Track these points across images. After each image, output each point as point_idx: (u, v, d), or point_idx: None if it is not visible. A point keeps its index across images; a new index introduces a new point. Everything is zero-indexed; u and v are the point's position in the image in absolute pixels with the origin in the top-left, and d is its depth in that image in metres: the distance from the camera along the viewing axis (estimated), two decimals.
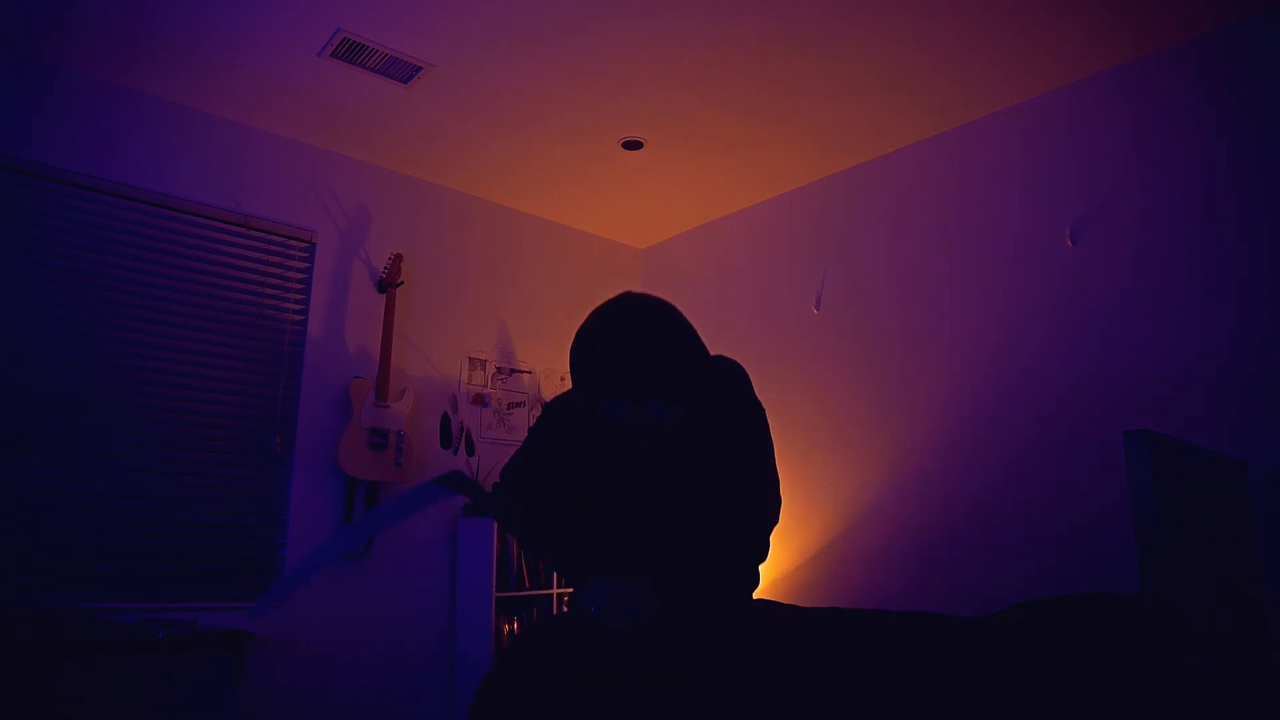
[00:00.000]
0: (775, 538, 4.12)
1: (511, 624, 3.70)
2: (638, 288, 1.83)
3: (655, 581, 1.46)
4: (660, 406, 1.37)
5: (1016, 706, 2.20)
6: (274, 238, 3.64)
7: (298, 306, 3.67)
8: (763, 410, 1.55)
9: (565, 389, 1.77)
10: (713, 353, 1.61)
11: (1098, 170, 3.14)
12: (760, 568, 1.57)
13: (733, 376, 1.53)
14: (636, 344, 1.36)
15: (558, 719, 1.46)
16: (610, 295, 1.53)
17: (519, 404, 4.28)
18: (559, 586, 3.85)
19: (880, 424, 3.64)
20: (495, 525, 3.69)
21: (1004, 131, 3.46)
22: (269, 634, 3.28)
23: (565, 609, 1.59)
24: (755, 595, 1.66)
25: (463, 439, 3.95)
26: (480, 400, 4.13)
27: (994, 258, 3.39)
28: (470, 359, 4.14)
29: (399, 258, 3.82)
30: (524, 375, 4.35)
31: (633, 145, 3.77)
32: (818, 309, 3.95)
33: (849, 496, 3.66)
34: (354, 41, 3.04)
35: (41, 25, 2.97)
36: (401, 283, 3.84)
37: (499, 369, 4.25)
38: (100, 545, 3.07)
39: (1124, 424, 2.07)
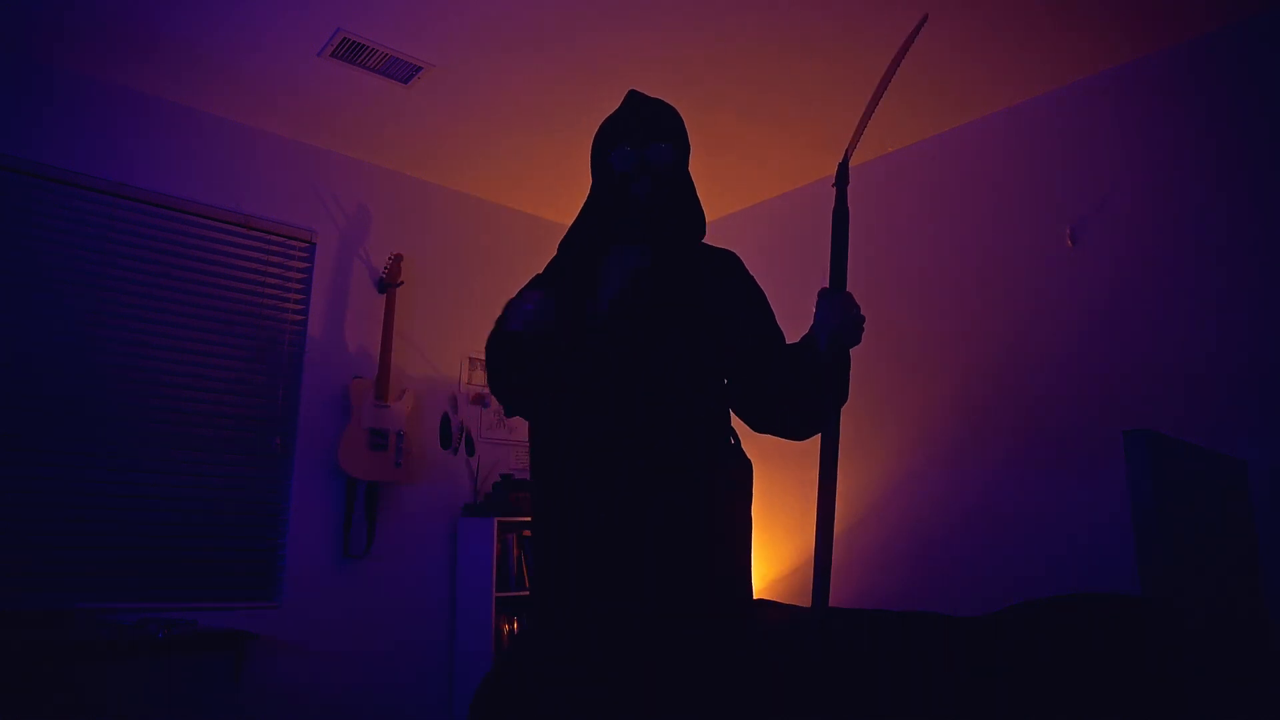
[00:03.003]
0: (775, 537, 4.08)
1: (511, 624, 3.70)
2: None
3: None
4: (658, 147, 1.70)
5: (1017, 707, 2.20)
6: (274, 238, 3.64)
7: (298, 306, 3.67)
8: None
9: None
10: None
11: (1098, 170, 3.14)
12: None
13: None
14: (639, 105, 1.78)
15: (557, 719, 1.46)
16: None
17: None
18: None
19: (880, 424, 3.64)
20: (495, 526, 3.69)
21: (1004, 131, 3.46)
22: (269, 634, 3.28)
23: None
24: (755, 596, 1.66)
25: (463, 439, 3.95)
26: (480, 400, 4.13)
27: (994, 258, 3.39)
28: (470, 359, 4.14)
29: (399, 258, 3.82)
30: None
31: None
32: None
33: (849, 496, 3.66)
34: (354, 41, 3.04)
35: (42, 25, 2.97)
36: (401, 283, 3.84)
37: None
38: (100, 545, 3.07)
39: (1124, 424, 2.07)
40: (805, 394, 1.65)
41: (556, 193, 4.26)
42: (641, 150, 1.70)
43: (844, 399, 1.68)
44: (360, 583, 3.60)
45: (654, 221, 1.70)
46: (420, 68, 3.20)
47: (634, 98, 1.82)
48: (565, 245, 1.81)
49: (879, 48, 3.06)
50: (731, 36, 3.01)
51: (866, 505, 3.60)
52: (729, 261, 1.80)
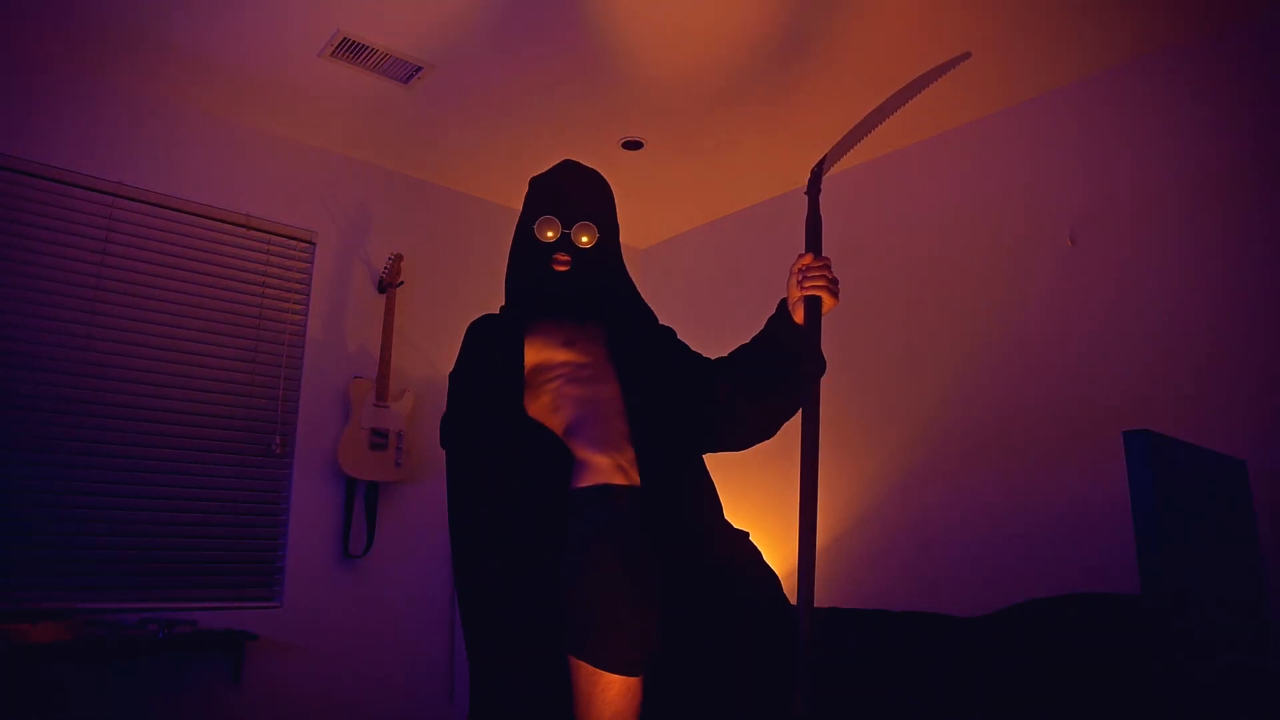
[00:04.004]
0: (775, 537, 4.12)
1: None
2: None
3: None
4: (582, 226, 1.76)
5: (1017, 707, 2.20)
6: (274, 238, 3.64)
7: (298, 306, 3.67)
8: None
9: None
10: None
11: (1098, 170, 3.14)
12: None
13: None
14: (574, 178, 1.85)
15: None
16: None
17: None
18: None
19: (880, 424, 3.64)
20: None
21: (1004, 131, 3.46)
22: (269, 634, 3.28)
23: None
24: None
25: None
26: None
27: (994, 258, 3.39)
28: None
29: (399, 258, 3.82)
30: None
31: (633, 145, 3.77)
32: None
33: (849, 496, 3.66)
34: (354, 41, 3.04)
35: (41, 25, 2.97)
36: (401, 283, 3.84)
37: None
38: (100, 545, 3.07)
39: (1124, 424, 2.07)
40: (769, 375, 1.73)
41: None
42: (567, 228, 1.76)
43: (822, 366, 1.72)
44: (360, 583, 3.60)
45: (572, 299, 1.77)
46: (420, 68, 3.20)
47: (565, 167, 1.88)
48: (486, 325, 1.83)
49: (879, 47, 3.06)
50: (731, 37, 3.01)
51: (866, 505, 3.60)
52: (665, 335, 1.92)
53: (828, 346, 3.89)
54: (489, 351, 1.74)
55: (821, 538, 3.75)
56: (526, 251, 1.80)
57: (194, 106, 3.50)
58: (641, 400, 1.68)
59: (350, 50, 3.09)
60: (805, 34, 2.99)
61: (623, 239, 5.46)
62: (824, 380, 4.20)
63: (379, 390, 3.65)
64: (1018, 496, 3.14)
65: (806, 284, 1.67)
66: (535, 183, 1.87)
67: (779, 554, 3.83)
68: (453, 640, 3.82)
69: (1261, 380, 2.65)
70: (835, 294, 1.68)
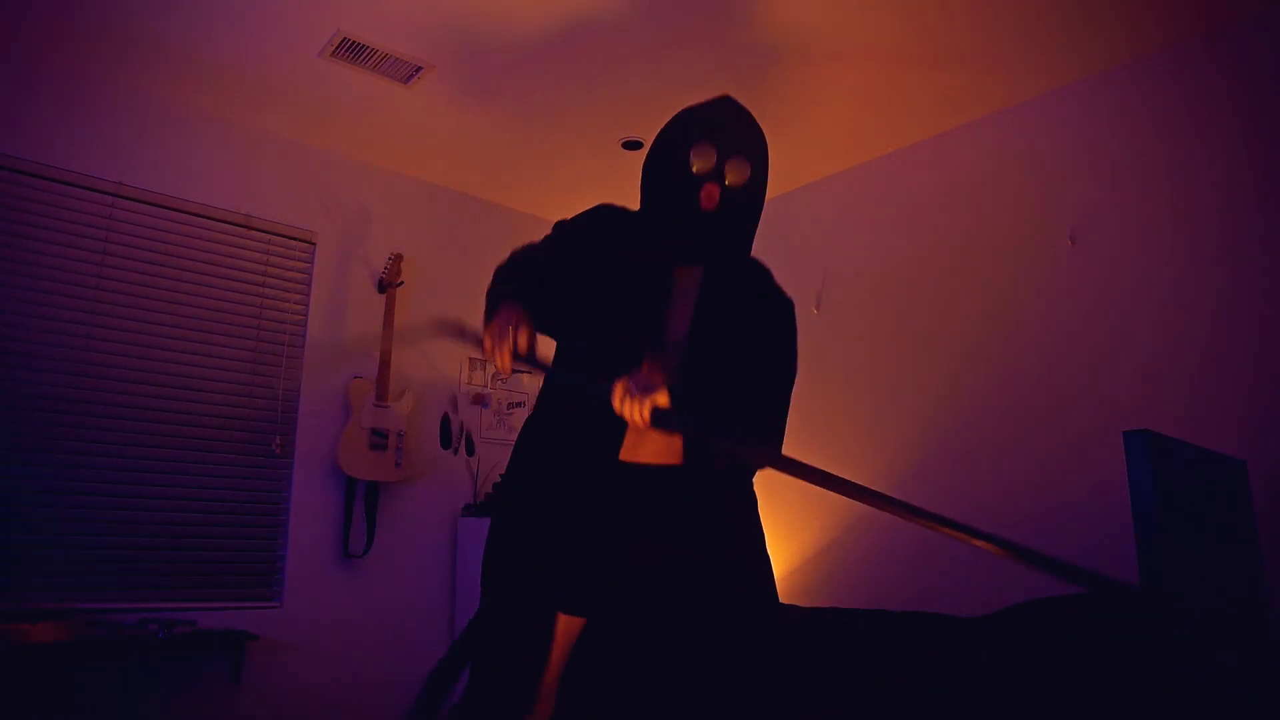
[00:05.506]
0: (775, 537, 4.11)
1: None
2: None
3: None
4: (738, 162, 1.62)
5: (1016, 706, 2.20)
6: (274, 238, 3.64)
7: (298, 306, 3.67)
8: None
9: None
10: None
11: (1098, 170, 3.14)
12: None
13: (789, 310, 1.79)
14: (737, 112, 1.72)
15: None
16: None
17: (519, 404, 4.28)
18: None
19: (880, 424, 3.64)
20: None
21: (1004, 131, 3.45)
22: (269, 634, 3.28)
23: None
24: None
25: (463, 439, 3.95)
26: (480, 400, 4.13)
27: (994, 258, 3.39)
28: (470, 359, 4.14)
29: (399, 258, 3.82)
30: (524, 375, 4.34)
31: (633, 145, 3.77)
32: (818, 309, 3.95)
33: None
34: (354, 41, 3.04)
35: (41, 25, 2.97)
36: (401, 283, 3.84)
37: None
38: (100, 545, 3.07)
39: (1124, 424, 2.07)
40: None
41: (556, 192, 4.25)
42: (723, 160, 1.63)
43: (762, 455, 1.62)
44: (360, 583, 3.60)
45: (716, 242, 1.64)
46: (420, 68, 3.20)
47: (727, 102, 1.75)
48: (617, 222, 1.75)
49: (878, 48, 3.05)
50: (731, 37, 3.01)
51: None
52: (777, 312, 1.76)
53: (828, 346, 3.90)
54: (620, 251, 1.66)
55: (821, 538, 3.75)
56: (671, 175, 1.65)
57: (194, 107, 3.50)
58: (690, 382, 1.57)
59: (350, 50, 3.09)
60: (805, 34, 2.99)
61: None
62: (825, 379, 4.20)
63: (379, 390, 3.65)
64: (1018, 496, 3.14)
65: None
66: (690, 110, 1.74)
67: (790, 548, 3.83)
68: (452, 640, 3.81)
69: (1261, 380, 2.65)
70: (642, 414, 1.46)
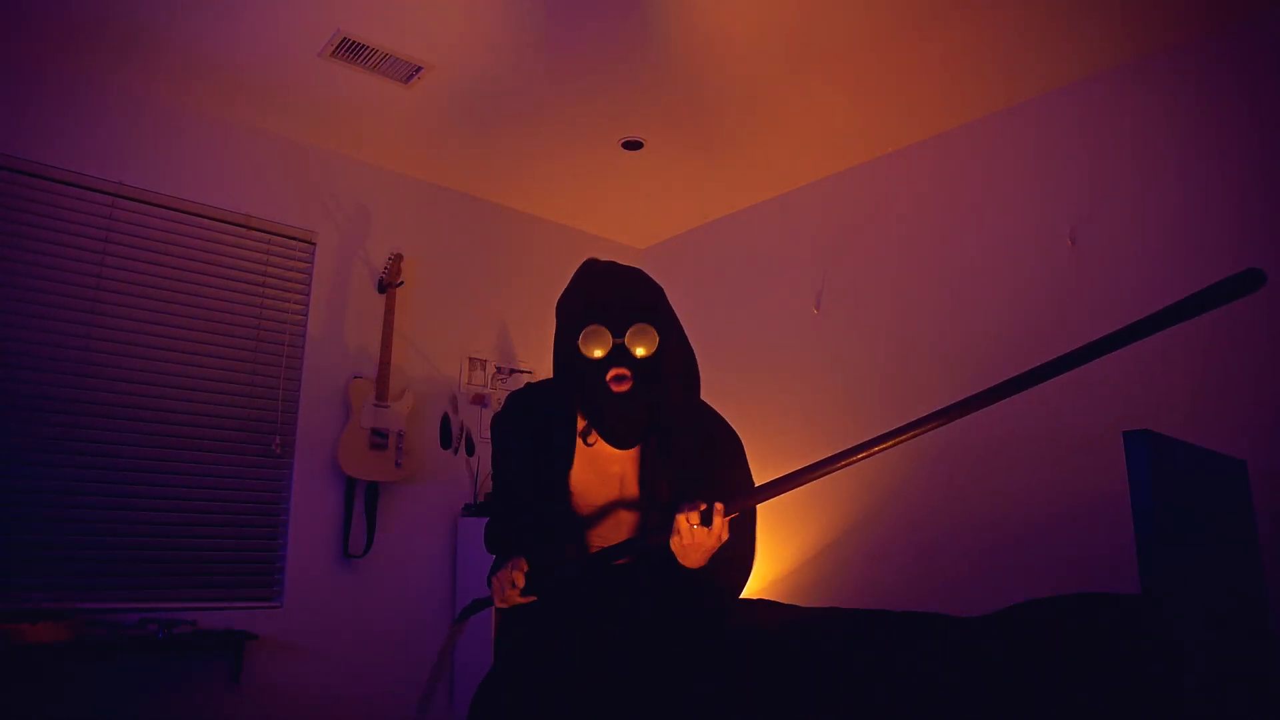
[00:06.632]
0: (775, 537, 4.09)
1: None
2: None
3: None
4: (638, 331, 1.54)
5: (1016, 707, 2.19)
6: (274, 238, 3.64)
7: (298, 306, 3.67)
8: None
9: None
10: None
11: (1098, 170, 3.14)
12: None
13: (729, 436, 1.73)
14: (615, 277, 1.60)
15: (555, 714, 1.46)
16: None
17: None
18: None
19: (880, 423, 3.62)
20: None
21: (1004, 131, 3.45)
22: (269, 634, 3.28)
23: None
24: (757, 595, 1.67)
25: (463, 439, 3.95)
26: (480, 400, 4.13)
27: (994, 258, 3.39)
28: (470, 359, 4.15)
29: (399, 258, 3.82)
30: (524, 375, 4.35)
31: (633, 145, 3.77)
32: (818, 309, 3.95)
33: (849, 496, 3.66)
34: (354, 41, 3.04)
35: (41, 25, 2.97)
36: (401, 283, 3.84)
37: (499, 369, 4.25)
38: (100, 545, 3.07)
39: (1124, 424, 2.07)
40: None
41: (556, 192, 4.26)
42: (620, 338, 1.54)
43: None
44: (360, 583, 3.60)
45: (635, 422, 1.56)
46: (420, 68, 3.20)
47: (600, 271, 1.63)
48: (534, 400, 1.72)
49: (879, 47, 3.06)
50: (731, 36, 3.01)
51: (866, 505, 3.60)
52: (724, 450, 1.69)
53: (828, 346, 3.90)
54: (545, 437, 1.63)
55: (821, 538, 3.75)
56: (575, 370, 1.56)
57: (194, 107, 3.50)
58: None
59: (350, 50, 3.09)
60: (805, 34, 2.99)
61: (622, 239, 5.45)
62: (825, 379, 4.20)
63: (379, 390, 3.65)
64: (1017, 496, 3.14)
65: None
66: (570, 288, 1.65)
67: (790, 548, 3.83)
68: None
69: (1261, 380, 2.65)
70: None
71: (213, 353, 3.42)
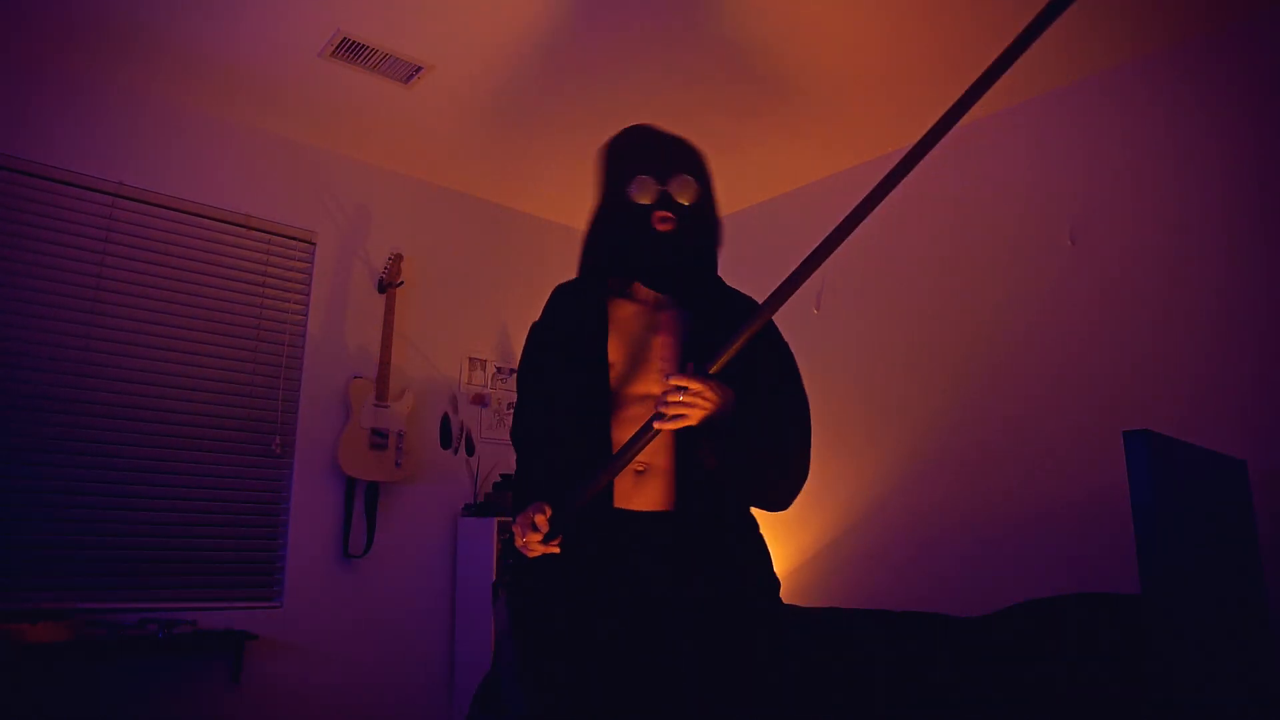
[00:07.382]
0: (775, 538, 4.12)
1: None
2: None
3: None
4: (681, 181, 1.58)
5: (1017, 707, 2.19)
6: (274, 238, 3.64)
7: (298, 306, 3.67)
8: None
9: None
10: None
11: (1098, 170, 3.14)
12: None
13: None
14: (659, 134, 1.66)
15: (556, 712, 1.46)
16: None
17: None
18: None
19: (880, 423, 3.64)
20: (495, 526, 3.69)
21: (1004, 131, 3.46)
22: (269, 634, 3.28)
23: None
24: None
25: (463, 439, 3.95)
26: (480, 400, 4.13)
27: (994, 258, 3.39)
28: (470, 359, 4.15)
29: (399, 258, 3.82)
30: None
31: None
32: (818, 309, 3.95)
33: (849, 496, 3.66)
34: (354, 41, 3.04)
35: (41, 25, 2.97)
36: (401, 283, 3.84)
37: (499, 369, 4.25)
38: (100, 545, 3.07)
39: (1124, 424, 2.07)
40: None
41: (556, 193, 4.26)
42: (663, 185, 1.59)
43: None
44: (360, 583, 3.60)
45: (678, 264, 1.60)
46: (420, 68, 3.20)
47: (647, 129, 1.70)
48: (572, 290, 1.73)
49: (879, 47, 3.06)
50: (730, 36, 3.01)
51: (866, 505, 3.60)
52: (769, 334, 1.71)
53: (828, 346, 3.90)
54: (575, 319, 1.65)
55: (821, 538, 3.75)
56: (619, 218, 1.61)
57: (194, 106, 3.50)
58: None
59: (350, 50, 3.09)
60: (805, 34, 2.99)
61: None
62: (825, 379, 4.22)
63: (379, 390, 3.65)
64: (1017, 496, 3.14)
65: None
66: (615, 145, 1.69)
67: (790, 548, 3.83)
68: (452, 640, 3.82)
69: (1261, 380, 2.65)
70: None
71: (213, 353, 3.42)
